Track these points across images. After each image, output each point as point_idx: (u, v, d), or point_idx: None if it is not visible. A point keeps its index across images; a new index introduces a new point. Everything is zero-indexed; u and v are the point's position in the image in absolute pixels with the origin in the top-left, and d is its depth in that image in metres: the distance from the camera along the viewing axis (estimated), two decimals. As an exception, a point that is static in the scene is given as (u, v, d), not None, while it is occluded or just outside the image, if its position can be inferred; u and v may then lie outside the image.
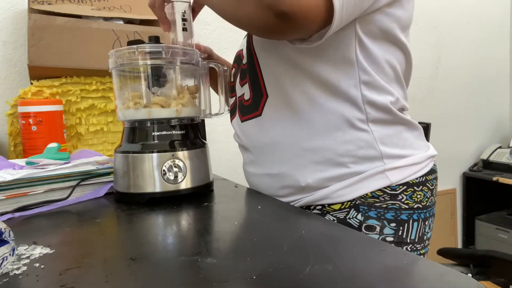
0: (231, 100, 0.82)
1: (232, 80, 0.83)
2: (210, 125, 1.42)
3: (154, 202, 0.67)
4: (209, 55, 0.86)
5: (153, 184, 0.67)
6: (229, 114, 0.83)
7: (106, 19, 1.06)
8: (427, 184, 0.69)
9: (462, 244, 2.28)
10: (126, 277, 0.40)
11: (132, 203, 0.67)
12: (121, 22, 1.08)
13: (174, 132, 0.71)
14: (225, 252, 0.45)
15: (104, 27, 1.03)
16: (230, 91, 0.83)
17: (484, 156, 2.19)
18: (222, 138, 1.48)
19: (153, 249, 0.47)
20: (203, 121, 0.81)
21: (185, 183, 0.69)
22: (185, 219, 0.61)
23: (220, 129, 1.50)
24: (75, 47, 1.00)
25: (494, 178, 1.96)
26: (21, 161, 0.76)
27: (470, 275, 0.61)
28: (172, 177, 0.68)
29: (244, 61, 0.75)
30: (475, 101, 2.26)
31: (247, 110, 0.75)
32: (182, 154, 0.69)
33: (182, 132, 0.72)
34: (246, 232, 0.52)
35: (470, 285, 0.37)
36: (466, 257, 1.66)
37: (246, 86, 0.75)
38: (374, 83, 0.64)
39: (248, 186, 0.80)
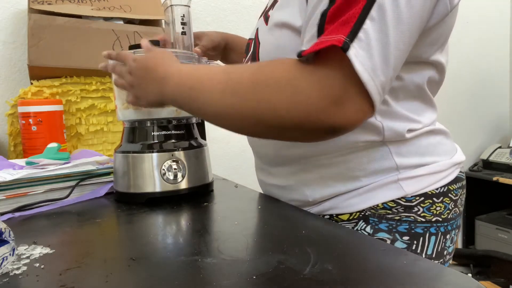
0: None
1: None
2: (210, 125, 1.42)
3: (154, 202, 0.67)
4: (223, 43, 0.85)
5: (153, 184, 0.67)
6: None
7: (106, 19, 1.06)
8: (450, 194, 0.62)
9: (462, 244, 2.28)
10: (126, 277, 0.40)
11: (132, 203, 0.67)
12: (121, 22, 1.08)
13: (174, 132, 0.71)
14: (225, 252, 0.45)
15: (104, 27, 1.03)
16: None
17: (484, 156, 2.18)
18: (222, 138, 1.48)
19: (153, 249, 0.47)
20: (203, 121, 0.80)
21: (185, 183, 0.69)
22: (185, 219, 0.61)
23: (220, 129, 1.49)
24: (75, 47, 1.00)
25: (494, 178, 1.96)
26: (21, 161, 0.76)
27: (470, 275, 0.60)
28: (171, 177, 0.68)
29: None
30: (475, 101, 2.26)
31: None
32: (182, 154, 0.69)
33: (182, 132, 0.72)
34: (246, 232, 0.52)
35: (470, 285, 0.37)
36: (466, 257, 1.66)
37: None
38: (393, 113, 0.58)
39: (247, 186, 0.80)
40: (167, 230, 0.56)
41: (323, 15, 0.46)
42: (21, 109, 0.94)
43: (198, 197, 0.70)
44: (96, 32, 1.02)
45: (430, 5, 0.48)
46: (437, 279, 0.38)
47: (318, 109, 0.45)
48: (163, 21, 1.12)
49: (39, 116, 0.94)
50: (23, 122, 0.94)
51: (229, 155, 1.50)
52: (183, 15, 0.77)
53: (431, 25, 0.53)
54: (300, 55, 0.45)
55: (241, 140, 1.52)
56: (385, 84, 0.45)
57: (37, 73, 1.00)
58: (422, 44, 0.54)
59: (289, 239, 0.48)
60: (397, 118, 0.58)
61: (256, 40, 0.65)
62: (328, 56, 0.44)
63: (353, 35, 0.43)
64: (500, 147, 2.19)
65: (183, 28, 0.78)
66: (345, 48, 0.42)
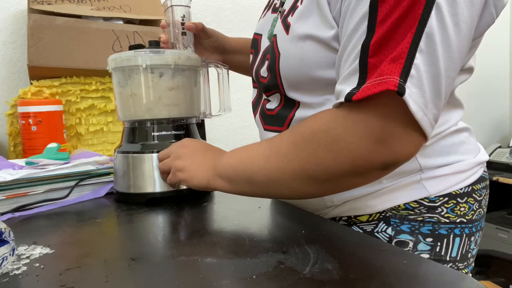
0: (254, 91, 0.74)
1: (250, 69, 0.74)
2: (210, 125, 1.42)
3: (154, 202, 0.67)
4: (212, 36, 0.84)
5: (153, 184, 0.67)
6: (229, 113, 0.83)
7: (105, 19, 1.06)
8: (474, 194, 0.60)
9: (462, 244, 2.28)
10: (126, 277, 0.40)
11: (132, 203, 0.67)
12: (121, 22, 1.08)
13: (174, 132, 0.71)
14: (225, 252, 0.45)
15: (103, 27, 1.03)
16: (252, 80, 0.73)
17: (484, 156, 2.18)
18: (222, 138, 1.48)
19: (153, 249, 0.47)
20: (203, 121, 0.80)
21: (185, 183, 0.69)
22: (185, 219, 0.61)
23: (220, 129, 1.50)
24: (74, 47, 1.00)
25: (494, 178, 1.96)
26: (21, 161, 0.76)
27: (470, 274, 0.60)
28: (172, 177, 0.68)
29: (265, 74, 0.64)
30: (475, 101, 2.26)
31: (270, 120, 0.66)
32: (182, 154, 0.69)
33: (182, 132, 0.72)
34: (246, 232, 0.52)
35: (470, 285, 0.37)
36: (466, 257, 1.66)
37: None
38: None
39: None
40: (167, 230, 0.56)
41: (365, 47, 0.43)
42: (21, 109, 0.94)
43: (198, 197, 0.70)
44: (95, 32, 1.02)
45: (475, 22, 0.45)
46: (437, 279, 0.38)
47: (365, 151, 0.44)
48: (163, 21, 1.12)
49: (39, 116, 0.94)
50: (23, 122, 0.94)
51: (229, 155, 1.50)
52: (183, 15, 0.77)
53: (473, 39, 0.51)
54: (350, 99, 0.43)
55: (242, 140, 1.52)
56: (437, 115, 0.44)
57: (37, 73, 1.00)
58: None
59: (289, 239, 0.48)
60: None
61: (275, 50, 0.61)
62: (376, 98, 0.42)
63: (406, 74, 0.40)
64: (500, 147, 2.19)
65: (183, 28, 0.78)
66: (401, 91, 0.40)
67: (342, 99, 0.44)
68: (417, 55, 0.41)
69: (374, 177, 0.49)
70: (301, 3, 0.56)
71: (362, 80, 0.43)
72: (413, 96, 0.41)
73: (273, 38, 0.62)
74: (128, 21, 1.10)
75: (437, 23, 0.41)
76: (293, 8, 0.58)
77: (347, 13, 0.46)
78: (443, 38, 0.41)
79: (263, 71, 0.64)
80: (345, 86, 0.45)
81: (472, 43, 0.51)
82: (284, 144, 0.49)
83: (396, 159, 0.45)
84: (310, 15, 0.54)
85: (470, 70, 0.58)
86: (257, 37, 0.70)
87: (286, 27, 0.59)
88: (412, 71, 0.41)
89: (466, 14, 0.42)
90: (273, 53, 0.61)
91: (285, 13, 0.60)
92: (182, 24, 0.78)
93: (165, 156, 0.65)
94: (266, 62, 0.64)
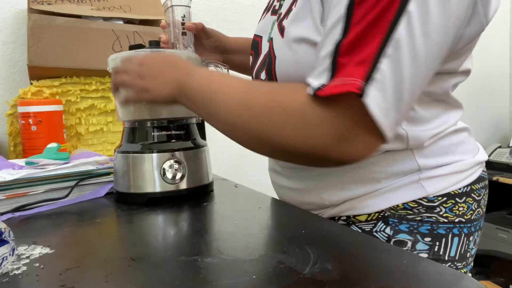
0: None
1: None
2: (210, 126, 1.42)
3: (154, 202, 0.67)
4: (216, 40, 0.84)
5: (153, 184, 0.67)
6: None
7: (105, 19, 1.06)
8: (473, 194, 0.60)
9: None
10: (126, 277, 0.40)
11: (132, 203, 0.67)
12: (121, 22, 1.08)
13: (174, 132, 0.71)
14: (225, 252, 0.45)
15: (103, 27, 1.03)
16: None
17: (484, 156, 2.18)
18: (222, 138, 1.48)
19: (153, 249, 0.47)
20: (203, 121, 0.80)
21: (185, 183, 0.69)
22: (185, 219, 0.61)
23: (220, 129, 1.49)
24: (74, 47, 1.00)
25: (494, 178, 1.96)
26: (21, 161, 0.76)
27: (470, 274, 0.60)
28: (172, 177, 0.68)
29: (263, 76, 0.65)
30: (474, 101, 2.26)
31: None
32: (182, 154, 0.69)
33: (182, 132, 0.72)
34: (246, 232, 0.52)
35: (470, 284, 0.37)
36: (466, 257, 1.66)
37: None
38: (418, 118, 0.57)
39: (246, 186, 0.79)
40: (167, 230, 0.56)
41: (336, 46, 0.44)
42: (21, 109, 0.94)
43: (198, 197, 0.70)
44: (95, 32, 1.02)
45: (451, 31, 0.45)
46: (437, 279, 0.38)
47: (326, 145, 0.46)
48: (163, 21, 1.12)
49: (39, 116, 0.94)
50: (23, 122, 0.94)
51: (229, 155, 1.50)
52: (184, 15, 0.77)
53: (462, 46, 0.51)
54: (314, 93, 0.45)
55: (241, 140, 1.52)
56: (399, 119, 0.45)
57: (37, 73, 1.00)
58: (452, 60, 0.54)
59: (289, 239, 0.48)
60: (422, 124, 0.57)
61: (271, 53, 0.61)
62: (343, 97, 0.43)
63: (370, 77, 0.42)
64: (500, 147, 2.19)
65: (183, 28, 0.78)
66: (362, 95, 0.41)
67: (310, 92, 0.46)
68: (383, 60, 0.42)
69: (322, 166, 0.52)
70: (295, 6, 0.57)
71: (330, 78, 0.44)
72: (375, 99, 0.42)
73: (270, 41, 0.62)
74: (128, 21, 1.10)
75: (405, 30, 0.41)
76: (289, 11, 0.58)
77: (330, 10, 0.47)
78: (411, 46, 0.42)
79: (263, 75, 0.65)
80: (314, 81, 0.46)
81: (466, 47, 0.53)
82: (259, 103, 0.50)
83: (352, 158, 0.47)
84: (304, 18, 0.55)
85: (466, 72, 0.59)
86: (257, 39, 0.70)
87: (281, 30, 0.59)
88: (377, 75, 0.42)
89: (439, 23, 0.43)
90: (269, 56, 0.61)
91: (281, 16, 0.61)
92: (183, 24, 0.78)
93: (122, 70, 0.63)
94: (265, 65, 0.64)
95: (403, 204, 0.58)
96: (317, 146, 0.46)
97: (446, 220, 0.58)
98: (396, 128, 0.46)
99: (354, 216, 0.61)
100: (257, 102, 0.50)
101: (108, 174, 0.76)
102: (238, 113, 0.51)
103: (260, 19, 0.73)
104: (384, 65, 0.42)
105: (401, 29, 0.41)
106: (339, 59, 0.44)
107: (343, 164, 0.49)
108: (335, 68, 0.44)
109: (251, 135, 0.50)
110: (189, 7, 0.78)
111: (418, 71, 0.43)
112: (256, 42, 0.71)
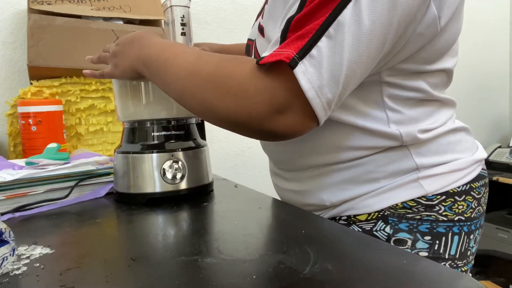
0: None
1: None
2: (210, 125, 1.42)
3: (154, 202, 0.67)
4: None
5: (153, 184, 0.67)
6: None
7: (105, 19, 1.06)
8: (472, 192, 0.61)
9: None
10: (126, 277, 0.40)
11: (132, 203, 0.67)
12: (121, 22, 1.08)
13: (173, 132, 0.71)
14: (225, 252, 0.45)
15: (103, 27, 1.03)
16: None
17: (484, 156, 2.18)
18: (222, 138, 1.48)
19: (153, 249, 0.47)
20: (202, 121, 0.80)
21: (184, 183, 0.69)
22: (185, 219, 0.61)
23: (220, 129, 1.50)
24: (74, 47, 1.00)
25: (494, 178, 1.96)
26: (21, 161, 0.76)
27: (470, 274, 0.60)
28: (172, 177, 0.68)
29: None
30: (474, 101, 2.26)
31: None
32: (182, 154, 0.69)
33: (182, 132, 0.72)
34: (246, 232, 0.52)
35: (469, 284, 0.37)
36: (466, 257, 1.66)
37: None
38: (407, 120, 0.57)
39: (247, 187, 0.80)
40: (167, 230, 0.56)
41: (288, 21, 0.46)
42: (21, 109, 0.94)
43: (198, 197, 0.70)
44: (95, 32, 1.02)
45: (394, 30, 0.46)
46: (437, 279, 0.38)
47: (260, 115, 0.46)
48: (162, 21, 1.12)
49: (38, 116, 0.94)
50: (23, 122, 0.94)
51: (229, 155, 1.50)
52: (183, 15, 0.77)
53: (423, 45, 0.52)
54: (258, 62, 0.46)
55: (241, 140, 1.52)
56: (331, 101, 0.46)
57: (36, 73, 1.00)
58: (420, 58, 0.54)
59: (289, 239, 0.48)
60: (413, 123, 0.58)
61: (256, 54, 0.64)
62: (279, 68, 0.45)
63: (304, 51, 0.43)
64: (500, 147, 2.19)
65: (182, 29, 0.78)
66: (292, 65, 0.42)
67: (255, 62, 0.47)
68: (324, 38, 0.43)
69: (259, 138, 0.52)
70: (267, 3, 0.58)
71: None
72: (307, 74, 0.43)
73: (253, 42, 0.64)
74: (128, 21, 1.10)
75: (351, 15, 0.43)
76: (263, 9, 0.60)
77: None
78: (354, 31, 0.43)
79: None
80: (266, 52, 0.47)
81: (435, 49, 0.54)
82: (206, 71, 0.51)
83: (284, 132, 0.47)
84: (278, 14, 0.56)
85: (446, 71, 0.59)
86: (249, 43, 0.72)
87: (261, 30, 0.60)
88: (314, 52, 0.43)
89: (384, 17, 0.44)
90: (255, 57, 0.62)
91: (261, 16, 0.62)
92: (182, 24, 0.78)
93: (105, 50, 0.68)
94: None
95: (402, 203, 0.58)
96: (253, 114, 0.47)
97: (445, 219, 0.58)
98: (329, 110, 0.46)
99: (355, 216, 0.61)
100: (204, 71, 0.51)
101: (108, 174, 0.76)
102: (187, 80, 0.52)
103: (254, 23, 0.74)
104: (324, 43, 0.43)
105: (347, 13, 0.42)
106: (288, 34, 0.46)
107: (276, 137, 0.49)
108: (283, 41, 0.46)
109: (198, 102, 0.52)
110: (188, 7, 0.78)
111: (358, 58, 0.44)
112: (248, 46, 0.72)
